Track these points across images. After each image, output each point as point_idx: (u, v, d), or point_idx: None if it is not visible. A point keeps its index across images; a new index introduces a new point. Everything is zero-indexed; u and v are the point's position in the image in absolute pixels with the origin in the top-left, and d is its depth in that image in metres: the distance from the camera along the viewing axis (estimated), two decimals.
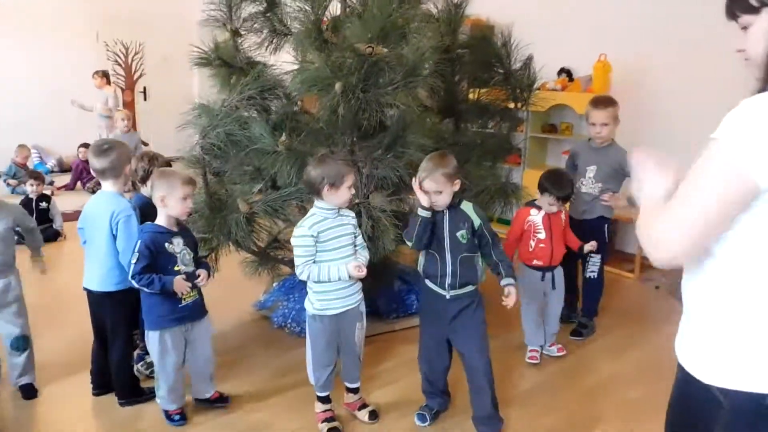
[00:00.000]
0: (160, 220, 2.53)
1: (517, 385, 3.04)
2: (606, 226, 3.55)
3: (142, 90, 8.77)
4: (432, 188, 2.39)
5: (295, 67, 3.52)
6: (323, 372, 2.56)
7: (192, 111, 3.36)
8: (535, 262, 3.21)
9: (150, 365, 2.98)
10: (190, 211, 2.55)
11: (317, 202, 2.48)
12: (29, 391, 2.78)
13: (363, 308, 2.61)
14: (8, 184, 6.90)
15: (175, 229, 2.55)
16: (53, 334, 3.34)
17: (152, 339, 2.54)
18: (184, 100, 3.40)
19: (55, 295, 3.84)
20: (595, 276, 3.55)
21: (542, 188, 3.17)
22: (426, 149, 3.23)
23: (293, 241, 2.44)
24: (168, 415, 2.62)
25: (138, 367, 2.99)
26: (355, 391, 2.72)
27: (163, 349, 2.53)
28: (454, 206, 2.49)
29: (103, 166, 2.65)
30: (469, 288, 2.52)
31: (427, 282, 2.55)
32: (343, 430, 2.60)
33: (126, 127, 6.16)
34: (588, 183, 3.52)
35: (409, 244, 2.49)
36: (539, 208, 3.19)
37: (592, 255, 3.46)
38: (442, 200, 2.42)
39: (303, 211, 3.64)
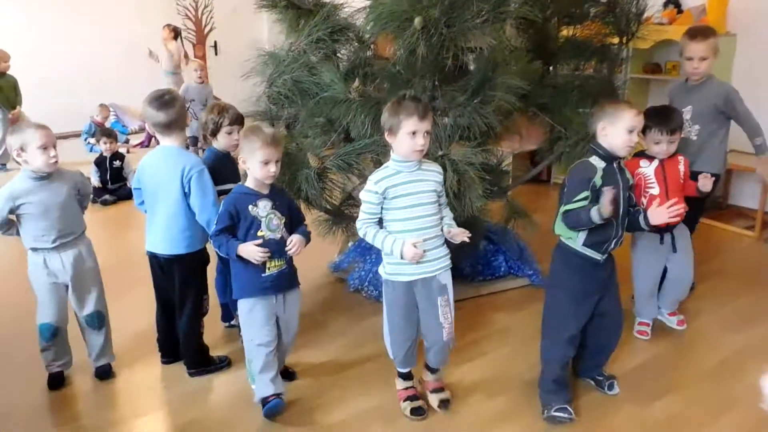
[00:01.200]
0: (249, 181, 2.27)
1: (625, 361, 2.65)
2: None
3: (212, 44, 8.62)
4: (641, 126, 2.21)
5: (368, 3, 3.16)
6: (401, 347, 2.26)
7: (258, 58, 3.11)
8: None
9: None
10: (275, 175, 2.23)
11: (392, 153, 2.17)
12: (104, 373, 2.59)
13: (447, 279, 2.23)
14: (88, 143, 6.96)
15: (264, 191, 2.26)
16: (123, 298, 3.22)
17: (240, 308, 2.30)
18: (255, 53, 3.12)
19: (125, 257, 3.74)
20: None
21: (645, 125, 2.69)
22: (518, 93, 2.85)
23: (361, 194, 2.18)
24: (264, 402, 2.27)
25: (231, 323, 2.88)
26: (434, 371, 2.41)
27: (251, 322, 2.27)
28: (620, 161, 2.26)
29: (170, 119, 2.41)
30: None
31: (582, 249, 2.23)
32: (428, 410, 2.31)
33: (199, 78, 5.96)
34: (685, 127, 3.00)
35: (563, 226, 2.22)
36: (651, 158, 2.72)
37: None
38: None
39: (378, 165, 3.35)
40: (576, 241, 2.24)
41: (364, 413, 2.34)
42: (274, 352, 2.29)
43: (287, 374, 2.54)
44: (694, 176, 2.79)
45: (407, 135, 2.07)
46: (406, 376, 2.37)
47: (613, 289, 2.34)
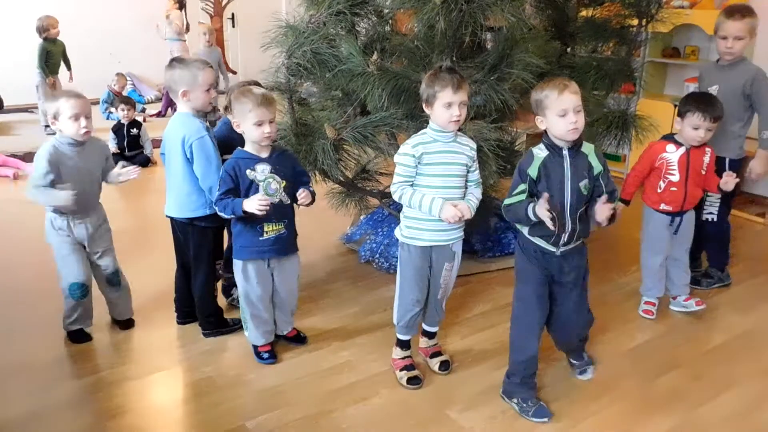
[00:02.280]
0: (247, 145, 2.32)
1: (631, 337, 2.72)
2: (731, 165, 3.00)
3: (230, 17, 8.62)
4: (575, 103, 1.99)
5: None
6: (408, 310, 2.32)
7: (277, 29, 3.13)
8: (663, 206, 2.76)
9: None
10: (270, 136, 2.27)
11: (431, 122, 2.21)
12: (128, 324, 2.76)
13: (458, 248, 2.33)
14: (107, 110, 7.00)
15: (263, 154, 2.31)
16: (141, 261, 3.30)
17: (236, 269, 2.41)
18: (273, 24, 3.15)
19: (143, 221, 3.82)
20: (714, 218, 3.05)
21: (685, 109, 2.65)
22: (535, 70, 2.87)
23: (395, 157, 2.21)
24: (257, 352, 2.50)
25: (232, 295, 2.92)
26: (431, 335, 2.50)
27: (246, 280, 2.39)
28: (575, 147, 2.07)
29: (165, 83, 2.54)
30: (581, 241, 2.20)
31: (534, 239, 2.15)
32: (424, 380, 2.38)
33: (208, 41, 5.93)
34: None
35: (504, 212, 2.13)
36: (679, 144, 2.70)
37: (710, 193, 2.97)
38: (582, 121, 2.01)
39: (393, 138, 3.38)
40: (523, 228, 2.16)
41: (372, 377, 2.41)
42: (265, 309, 2.44)
43: (298, 338, 2.62)
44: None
45: (443, 106, 2.11)
46: (405, 345, 2.42)
47: (574, 282, 2.19)
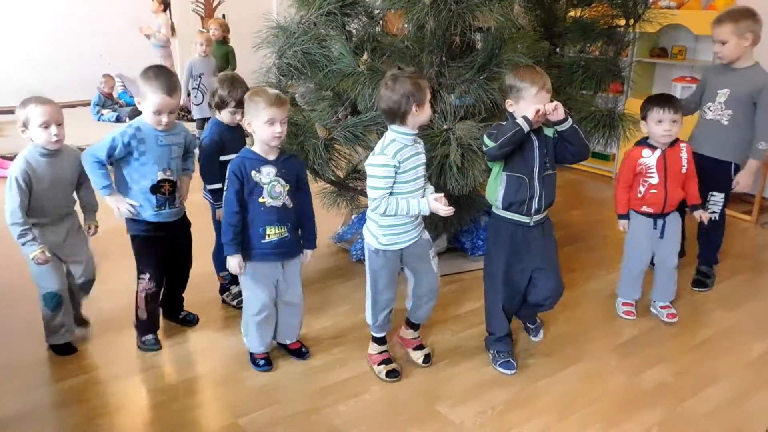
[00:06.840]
0: (255, 145, 2.31)
1: (618, 333, 2.76)
2: (736, 170, 3.05)
3: (221, 17, 8.61)
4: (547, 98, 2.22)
5: None
6: (383, 311, 2.37)
7: (268, 30, 3.15)
8: (644, 208, 2.79)
9: (236, 296, 2.91)
10: (281, 137, 2.24)
11: (397, 128, 2.20)
12: (66, 349, 2.56)
13: (427, 234, 2.41)
14: (98, 113, 6.99)
15: (270, 157, 2.29)
16: (127, 263, 3.31)
17: (242, 276, 2.38)
18: (264, 25, 3.16)
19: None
20: (717, 218, 3.08)
21: (644, 111, 2.73)
22: None
23: (371, 170, 2.19)
24: (253, 359, 2.48)
25: (224, 297, 2.95)
26: (416, 327, 2.54)
27: (249, 282, 2.36)
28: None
29: None
30: (548, 209, 2.41)
31: (506, 213, 2.35)
32: (402, 372, 2.41)
33: (204, 52, 5.87)
34: (716, 108, 3.03)
35: (489, 145, 2.25)
36: (654, 148, 2.73)
37: (714, 193, 3.04)
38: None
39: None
40: (497, 204, 2.36)
41: (363, 374, 2.44)
42: (268, 317, 2.42)
43: (299, 353, 2.55)
44: (711, 163, 2.82)
45: (426, 107, 2.17)
46: (381, 341, 2.46)
47: (548, 248, 2.42)
